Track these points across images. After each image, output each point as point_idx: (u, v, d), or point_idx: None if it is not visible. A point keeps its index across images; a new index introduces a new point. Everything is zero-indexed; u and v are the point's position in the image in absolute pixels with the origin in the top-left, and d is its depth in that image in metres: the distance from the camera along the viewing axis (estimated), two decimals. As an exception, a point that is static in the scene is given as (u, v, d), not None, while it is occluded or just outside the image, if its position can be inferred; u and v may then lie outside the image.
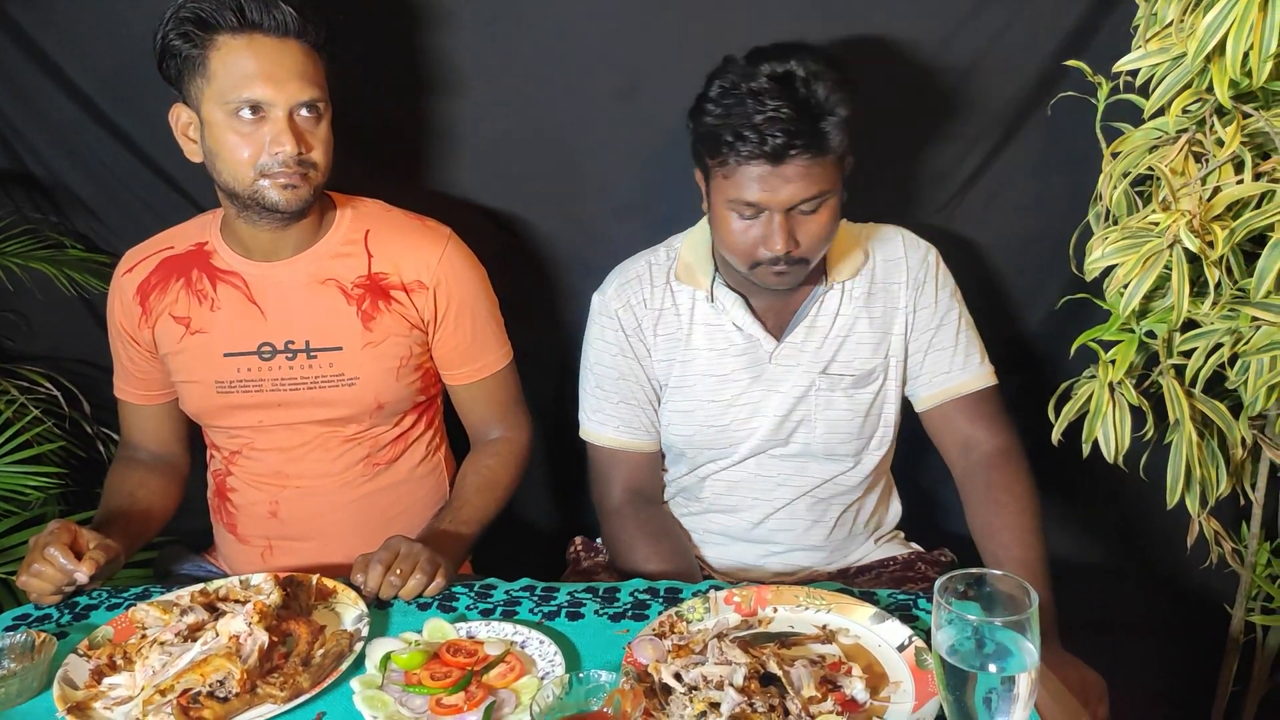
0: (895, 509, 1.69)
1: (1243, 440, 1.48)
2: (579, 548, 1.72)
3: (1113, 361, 1.48)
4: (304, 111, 1.37)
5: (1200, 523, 1.57)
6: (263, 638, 1.15)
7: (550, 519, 2.01)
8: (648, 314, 1.53)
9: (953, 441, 1.55)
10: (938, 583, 0.86)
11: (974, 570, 0.87)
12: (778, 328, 1.52)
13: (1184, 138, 1.22)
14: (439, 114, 1.72)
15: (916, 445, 1.64)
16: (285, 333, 1.48)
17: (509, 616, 1.28)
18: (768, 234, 1.35)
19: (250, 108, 1.34)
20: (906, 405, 1.59)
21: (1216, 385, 1.49)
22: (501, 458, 1.61)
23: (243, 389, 1.49)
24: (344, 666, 1.16)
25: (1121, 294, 1.35)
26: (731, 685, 1.04)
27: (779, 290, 1.44)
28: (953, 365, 1.53)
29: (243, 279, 1.49)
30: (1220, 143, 1.21)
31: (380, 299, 1.49)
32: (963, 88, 1.67)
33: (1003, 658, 0.82)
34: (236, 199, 1.41)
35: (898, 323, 1.52)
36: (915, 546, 1.67)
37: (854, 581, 1.58)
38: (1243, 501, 1.60)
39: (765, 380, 1.51)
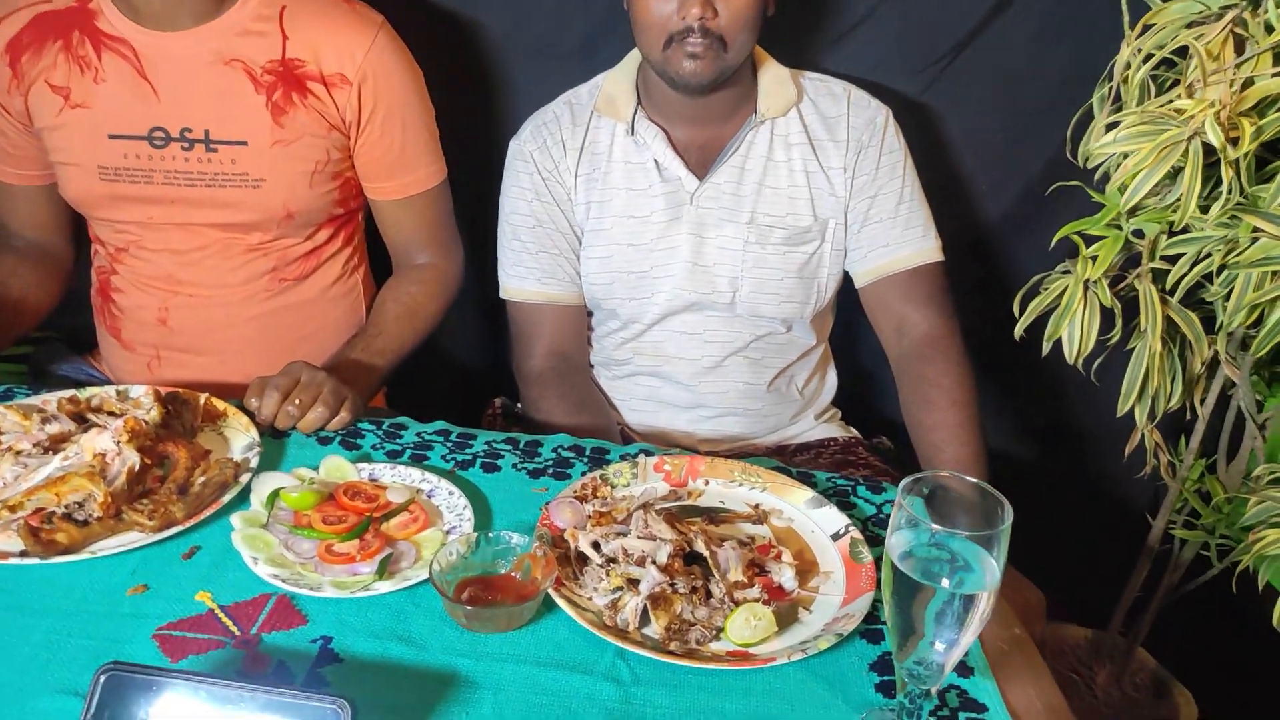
0: (831, 381, 1.62)
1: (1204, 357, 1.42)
2: (498, 411, 1.61)
3: (1094, 258, 1.38)
4: None
5: (1144, 434, 1.53)
6: (133, 459, 1.02)
7: (477, 363, 1.88)
8: (565, 156, 1.42)
9: (887, 323, 1.46)
10: (902, 483, 0.77)
11: (942, 473, 0.78)
12: (701, 166, 1.40)
13: (1229, 15, 1.09)
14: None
15: (857, 322, 1.56)
16: (181, 118, 1.28)
17: (418, 461, 1.17)
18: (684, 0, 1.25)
19: None
20: (848, 279, 1.49)
21: (1190, 297, 1.41)
22: (426, 286, 1.46)
23: (130, 178, 1.30)
24: (225, 499, 1.04)
25: (1123, 187, 1.23)
26: (654, 563, 0.95)
27: (693, 84, 1.31)
28: (890, 238, 1.43)
29: (132, 49, 1.27)
30: (1269, 28, 1.07)
31: (294, 90, 1.29)
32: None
33: (962, 572, 0.74)
34: None
35: (836, 184, 1.41)
36: (854, 431, 1.61)
37: (792, 461, 1.51)
38: (1188, 416, 1.56)
39: (687, 224, 1.40)
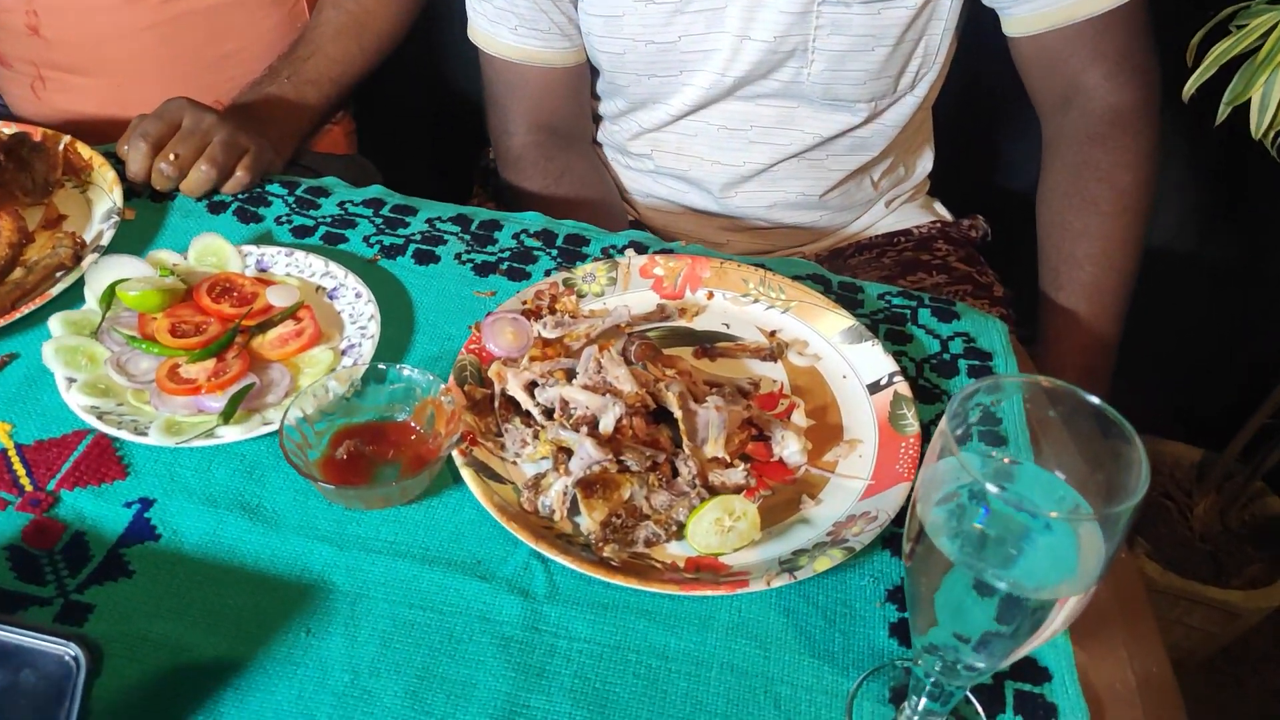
0: (924, 160, 1.20)
1: None
2: (492, 164, 1.23)
3: (1322, -16, 0.94)
4: None
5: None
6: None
7: (471, 90, 1.49)
8: None
9: (1050, 90, 1.01)
10: (958, 396, 0.45)
11: (1040, 380, 0.46)
12: None
13: None
14: None
15: (975, 59, 1.10)
16: None
17: (333, 242, 0.89)
18: None
19: None
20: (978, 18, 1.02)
21: None
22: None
23: None
24: (55, 291, 0.78)
25: None
26: (591, 435, 0.67)
27: None
28: None
29: None
30: None
31: None
32: None
33: (1032, 551, 0.44)
34: None
35: None
36: (941, 211, 1.21)
37: (847, 264, 1.15)
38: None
39: None
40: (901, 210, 1.18)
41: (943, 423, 0.45)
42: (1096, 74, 0.97)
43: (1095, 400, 0.44)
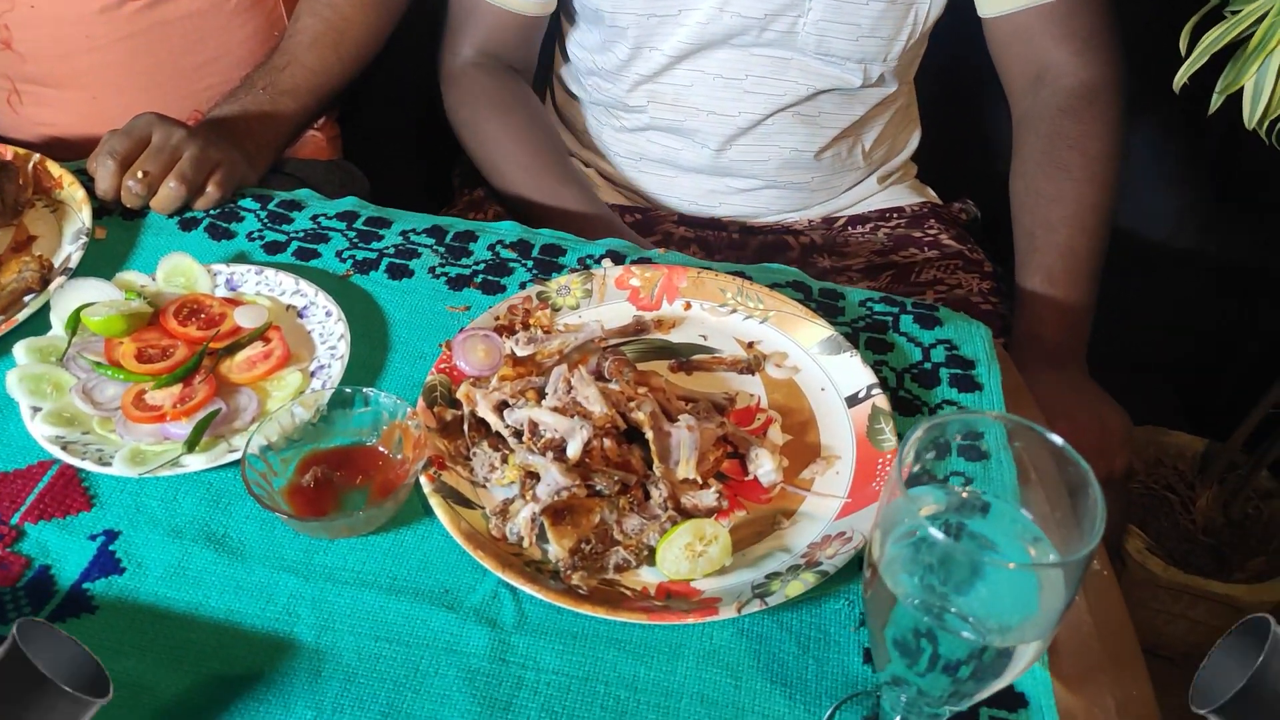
0: (911, 138, 1.23)
1: None
2: (459, 177, 1.26)
3: (1317, -31, 0.91)
4: None
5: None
6: (-114, 262, 0.75)
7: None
8: None
9: (1023, 68, 1.06)
10: (922, 427, 0.44)
11: (987, 414, 0.44)
12: None
13: None
14: None
15: (956, 54, 1.12)
16: None
17: (305, 258, 0.88)
18: None
19: None
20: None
21: None
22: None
23: None
24: (21, 316, 0.78)
25: None
26: (557, 460, 0.66)
27: None
28: None
29: None
30: None
31: None
32: None
33: (997, 599, 0.42)
34: None
35: None
36: (930, 194, 1.23)
37: (839, 235, 1.17)
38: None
39: None
40: (893, 190, 1.20)
41: (894, 464, 0.43)
42: (1066, 51, 1.03)
43: (1056, 440, 0.43)
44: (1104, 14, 1.03)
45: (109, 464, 0.68)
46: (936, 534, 0.39)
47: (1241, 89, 1.00)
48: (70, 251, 0.84)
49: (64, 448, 0.69)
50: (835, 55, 1.03)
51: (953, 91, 1.28)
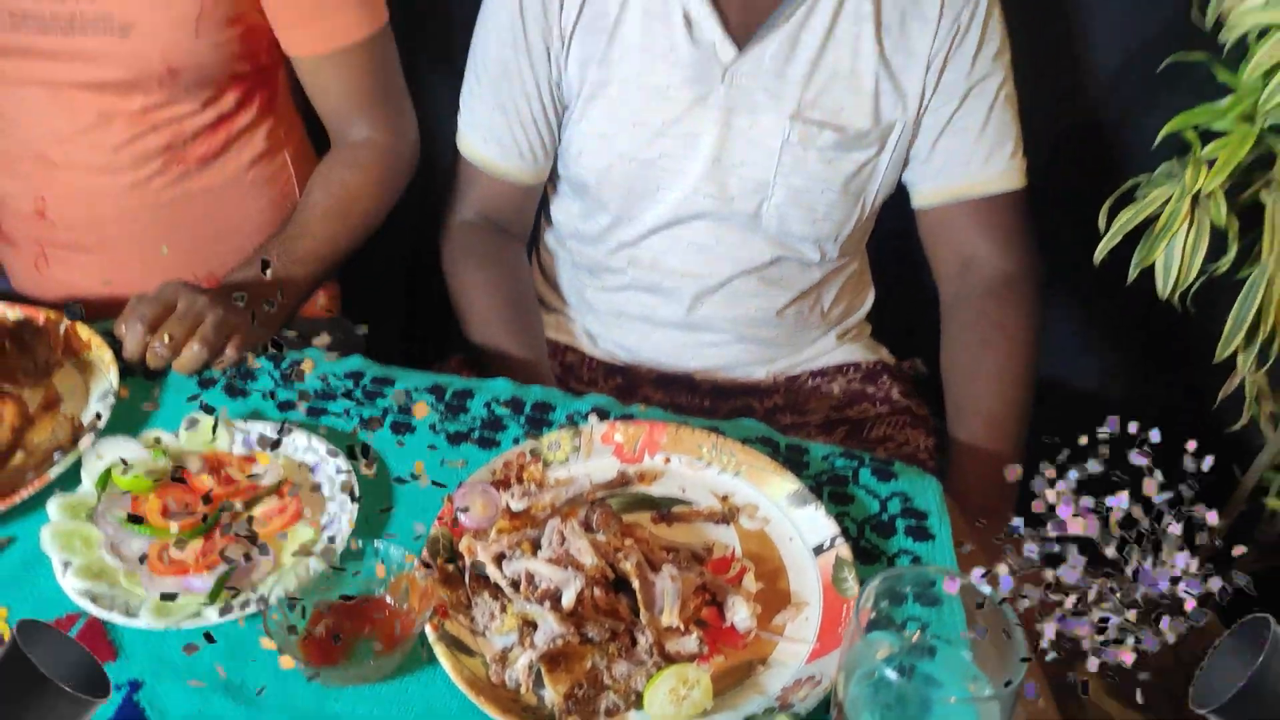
0: (865, 299, 1.35)
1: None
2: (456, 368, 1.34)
3: (1211, 162, 1.05)
4: None
5: (1245, 379, 1.23)
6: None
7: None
8: None
9: (950, 255, 1.19)
10: (872, 585, 0.52)
11: (936, 568, 0.52)
12: (743, 30, 1.07)
13: None
14: None
15: (903, 230, 1.25)
16: None
17: (315, 416, 0.96)
18: None
19: None
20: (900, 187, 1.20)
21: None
22: (363, 171, 1.19)
23: None
24: (53, 474, 0.84)
25: (1269, 74, 0.89)
26: (554, 609, 0.73)
27: None
28: (973, 155, 1.13)
29: None
30: None
31: None
32: None
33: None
34: None
35: (912, 77, 1.09)
36: (883, 352, 1.34)
37: (799, 391, 1.27)
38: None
39: (715, 107, 1.09)
40: (850, 346, 1.31)
41: (852, 612, 0.51)
42: (989, 242, 1.17)
43: (986, 589, 0.51)
44: (1022, 212, 1.17)
45: (135, 615, 0.73)
46: (891, 674, 0.47)
47: (1153, 265, 1.13)
48: (98, 409, 0.91)
49: (93, 600, 0.74)
50: (794, 235, 1.15)
51: (903, 257, 1.41)
